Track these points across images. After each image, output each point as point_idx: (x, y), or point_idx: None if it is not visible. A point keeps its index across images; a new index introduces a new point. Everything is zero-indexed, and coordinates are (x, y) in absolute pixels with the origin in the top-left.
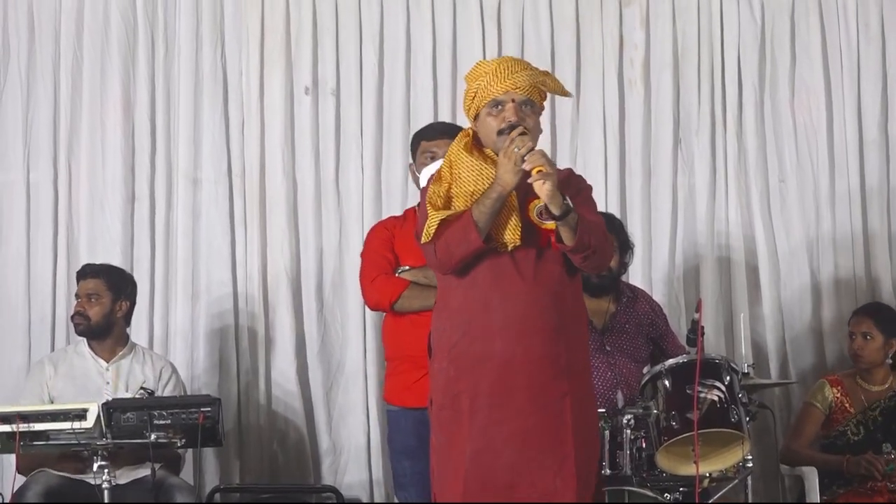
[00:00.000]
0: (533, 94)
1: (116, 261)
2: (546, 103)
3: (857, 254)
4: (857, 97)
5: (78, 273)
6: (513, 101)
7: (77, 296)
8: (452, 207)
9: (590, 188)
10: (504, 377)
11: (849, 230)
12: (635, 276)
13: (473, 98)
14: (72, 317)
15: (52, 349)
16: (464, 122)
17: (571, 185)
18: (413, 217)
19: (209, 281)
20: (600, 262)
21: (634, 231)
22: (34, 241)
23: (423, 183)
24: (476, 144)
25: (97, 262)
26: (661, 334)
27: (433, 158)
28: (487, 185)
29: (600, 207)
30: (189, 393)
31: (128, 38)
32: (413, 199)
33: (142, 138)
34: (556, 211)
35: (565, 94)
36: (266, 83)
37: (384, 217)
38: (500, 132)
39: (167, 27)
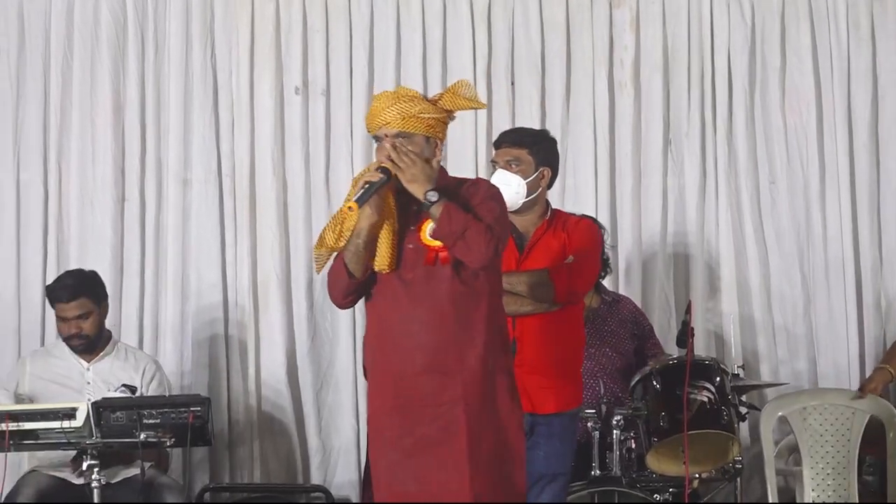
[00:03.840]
0: (407, 126)
1: (106, 261)
2: (535, 107)
3: (847, 255)
4: (848, 100)
5: (53, 297)
6: (385, 135)
7: (63, 318)
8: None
9: (489, 193)
10: (403, 392)
11: (839, 232)
12: (626, 277)
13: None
14: (67, 339)
15: None
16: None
17: (468, 191)
18: None
19: (199, 281)
20: (468, 251)
21: (624, 233)
22: (24, 240)
23: None
24: None
25: (67, 274)
26: (645, 335)
27: (495, 168)
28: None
29: (590, 209)
30: (175, 391)
31: (118, 39)
32: None
33: (132, 139)
34: (418, 196)
35: (475, 106)
36: (256, 84)
37: None
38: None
39: (157, 28)
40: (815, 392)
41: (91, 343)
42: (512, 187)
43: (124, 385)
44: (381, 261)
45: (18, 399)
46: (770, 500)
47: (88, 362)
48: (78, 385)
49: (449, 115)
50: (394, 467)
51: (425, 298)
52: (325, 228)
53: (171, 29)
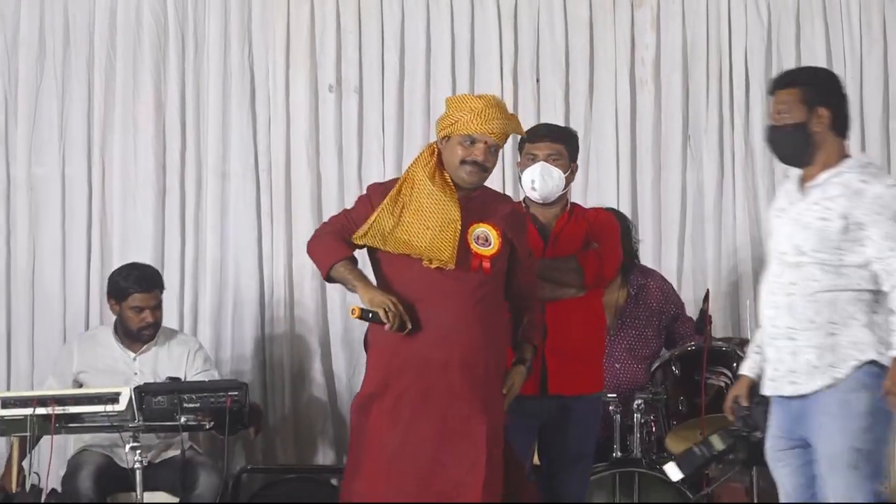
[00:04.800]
0: (501, 140)
1: (148, 252)
2: (560, 103)
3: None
4: (860, 97)
5: (128, 288)
6: (485, 143)
7: (139, 308)
8: (402, 226)
9: (526, 234)
10: (428, 381)
11: None
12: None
13: (452, 125)
14: (140, 329)
15: None
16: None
17: (518, 225)
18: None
19: (237, 272)
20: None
21: (645, 224)
22: (69, 233)
23: (525, 185)
24: (439, 166)
25: (132, 267)
26: (674, 317)
27: (534, 160)
28: (442, 215)
29: (612, 202)
30: (216, 373)
31: (159, 39)
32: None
33: (172, 135)
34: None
35: (521, 133)
36: (291, 82)
37: None
38: (462, 162)
39: (197, 28)
40: None
41: (156, 332)
42: (554, 180)
43: (169, 377)
44: (444, 256)
45: (74, 382)
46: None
47: (136, 353)
48: (125, 376)
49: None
50: (403, 448)
51: (457, 295)
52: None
53: (210, 29)
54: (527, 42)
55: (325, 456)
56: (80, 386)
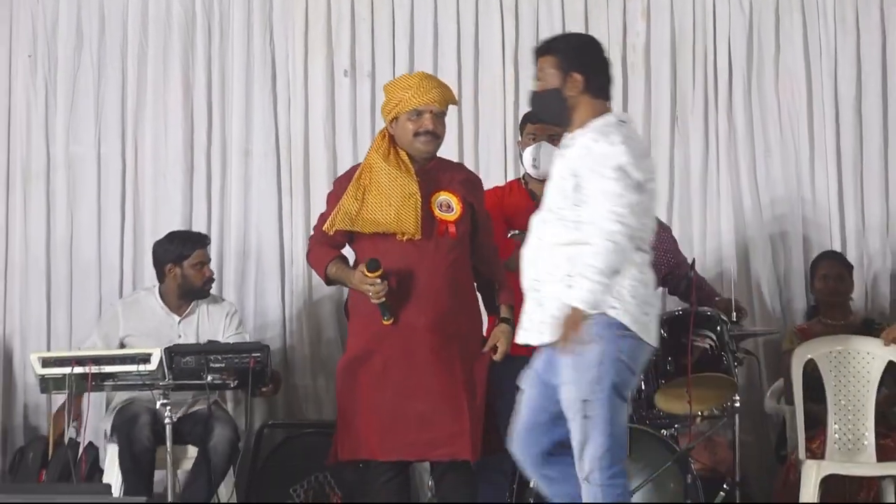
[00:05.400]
0: (443, 107)
1: (177, 225)
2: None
3: (833, 218)
4: (834, 82)
5: (193, 245)
6: (431, 111)
7: (202, 263)
8: (367, 207)
9: (482, 188)
10: (410, 344)
11: (826, 197)
12: None
13: (397, 105)
14: (205, 283)
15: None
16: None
17: (473, 189)
18: (517, 188)
19: (259, 243)
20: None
21: None
22: (104, 207)
23: (526, 162)
24: (392, 146)
25: (180, 232)
26: (675, 265)
27: (535, 140)
28: (401, 190)
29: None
30: (247, 336)
31: (187, 27)
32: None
33: (199, 116)
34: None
35: (455, 101)
36: (309, 67)
37: None
38: (416, 134)
39: (222, 18)
40: (839, 338)
41: (212, 286)
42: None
43: (209, 341)
44: (410, 228)
45: (120, 345)
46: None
47: (180, 316)
48: (170, 339)
49: None
50: (394, 408)
51: (429, 262)
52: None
53: (234, 18)
54: (527, 31)
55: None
56: (121, 346)
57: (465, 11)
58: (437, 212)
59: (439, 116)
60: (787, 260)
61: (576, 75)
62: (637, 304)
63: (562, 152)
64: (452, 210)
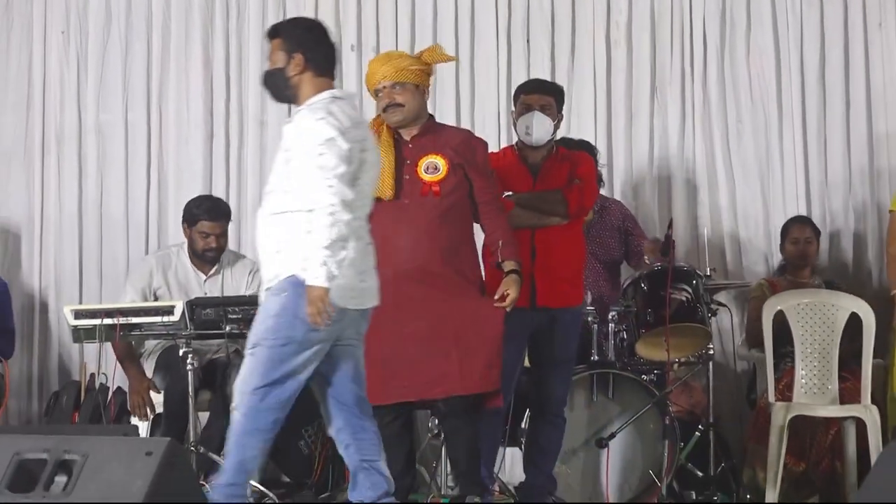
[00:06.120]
0: (399, 77)
1: (198, 187)
2: (546, 60)
3: (799, 180)
4: (801, 53)
5: (199, 215)
6: (384, 87)
7: (204, 234)
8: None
9: (484, 150)
10: (401, 294)
11: (793, 160)
12: (620, 198)
13: (369, 90)
14: (204, 251)
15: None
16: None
17: (467, 151)
18: (511, 154)
19: None
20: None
21: (618, 163)
22: (131, 171)
23: (519, 130)
24: (383, 122)
25: (206, 199)
26: (629, 232)
27: (528, 109)
28: (381, 159)
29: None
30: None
31: (207, 5)
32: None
33: (219, 87)
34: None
35: (448, 59)
36: None
37: None
38: (383, 111)
39: None
40: (807, 291)
41: (218, 257)
42: (545, 126)
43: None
44: (385, 190)
45: (152, 296)
46: (767, 381)
47: (206, 274)
48: (196, 294)
49: (430, 68)
50: (391, 354)
51: (415, 220)
52: None
53: None
54: (518, 8)
55: None
56: (157, 299)
57: None
58: (421, 174)
59: (395, 88)
60: (756, 219)
61: (298, 56)
62: (355, 273)
63: (286, 127)
64: (438, 171)
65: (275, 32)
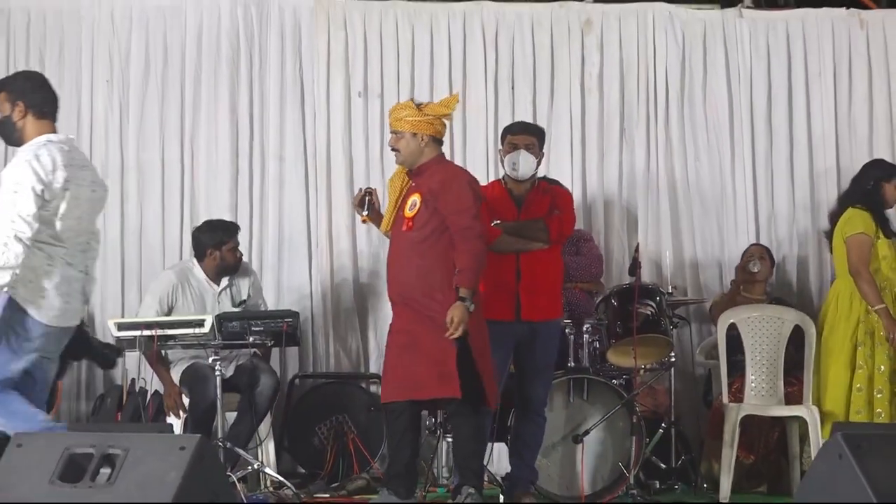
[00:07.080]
0: (396, 126)
1: (226, 216)
2: (528, 105)
3: (749, 211)
4: (751, 101)
5: (228, 234)
6: (391, 134)
7: (234, 248)
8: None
9: (460, 189)
10: (394, 312)
11: (744, 194)
12: (592, 228)
13: None
14: (237, 264)
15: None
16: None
17: (441, 189)
18: (498, 186)
19: (291, 232)
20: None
21: (593, 195)
22: (167, 203)
23: (507, 166)
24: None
25: (217, 222)
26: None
27: (514, 148)
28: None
29: (567, 180)
30: (272, 307)
31: (233, 57)
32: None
33: (243, 128)
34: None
35: (443, 112)
36: (331, 88)
37: None
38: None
39: (261, 49)
40: (756, 306)
41: (236, 268)
42: (530, 163)
43: (242, 300)
44: (384, 225)
45: (168, 306)
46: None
47: (218, 286)
48: (211, 304)
49: (431, 117)
50: (395, 364)
51: (398, 250)
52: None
53: (270, 50)
54: (504, 59)
55: (354, 366)
56: (172, 308)
57: (455, 44)
58: (406, 210)
59: (394, 135)
60: (712, 244)
61: (20, 104)
62: (60, 296)
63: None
64: (415, 207)
65: (1, 86)
